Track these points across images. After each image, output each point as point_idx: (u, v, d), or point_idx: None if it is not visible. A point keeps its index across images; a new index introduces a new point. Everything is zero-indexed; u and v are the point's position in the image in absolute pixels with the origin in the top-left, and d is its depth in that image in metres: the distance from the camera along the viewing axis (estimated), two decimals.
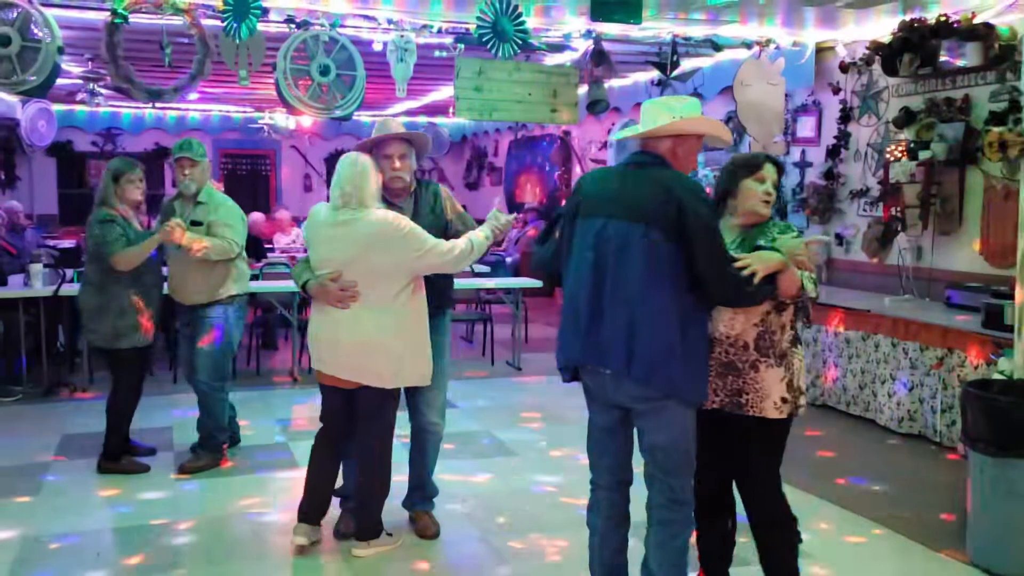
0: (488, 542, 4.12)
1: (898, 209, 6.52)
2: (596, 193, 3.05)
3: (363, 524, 3.90)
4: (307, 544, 3.89)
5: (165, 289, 5.10)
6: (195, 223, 4.88)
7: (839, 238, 7.35)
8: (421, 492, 4.19)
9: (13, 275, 7.25)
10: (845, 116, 7.25)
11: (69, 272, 6.69)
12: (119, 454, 5.00)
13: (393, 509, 4.15)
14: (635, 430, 3.09)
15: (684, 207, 2.83)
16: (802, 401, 3.15)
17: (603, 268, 2.93)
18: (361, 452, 3.89)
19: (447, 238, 3.86)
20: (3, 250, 7.65)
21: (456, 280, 7.89)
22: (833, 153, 7.34)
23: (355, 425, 3.87)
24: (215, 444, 5.13)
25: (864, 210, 7.13)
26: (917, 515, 4.46)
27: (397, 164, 3.82)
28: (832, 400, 6.39)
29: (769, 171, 3.14)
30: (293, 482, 4.00)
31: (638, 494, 3.15)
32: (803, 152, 7.76)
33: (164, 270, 5.12)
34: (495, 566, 3.87)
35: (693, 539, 3.19)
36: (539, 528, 4.27)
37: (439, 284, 3.96)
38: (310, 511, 3.93)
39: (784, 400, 3.08)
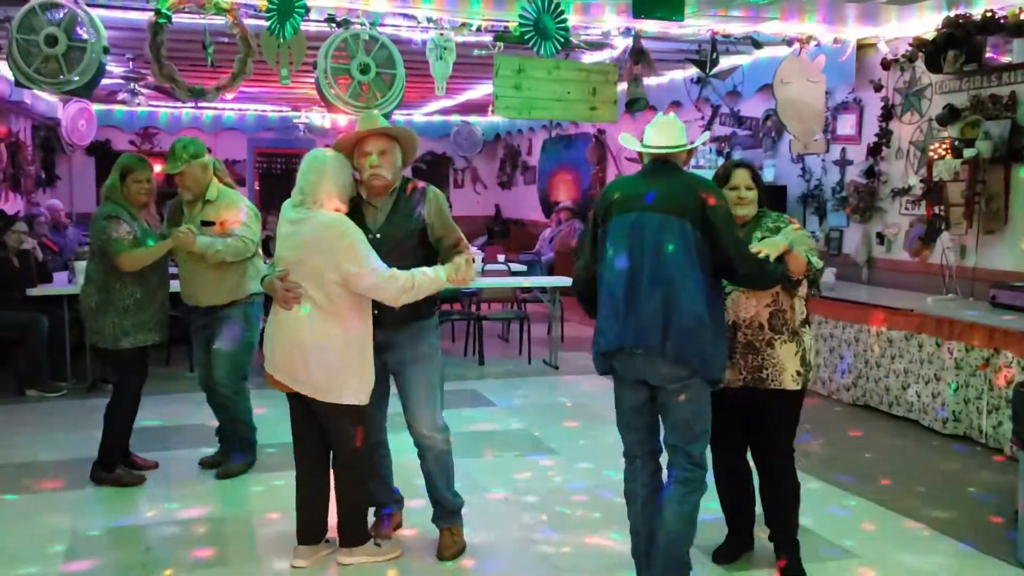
0: (528, 539, 4.11)
1: (941, 208, 6.44)
2: (626, 194, 3.38)
3: (344, 531, 3.77)
4: (305, 566, 3.75)
5: (173, 287, 4.89)
6: (206, 223, 4.65)
7: (880, 237, 7.27)
8: (439, 508, 3.95)
9: (56, 272, 7.37)
10: (887, 114, 7.16)
11: None
12: (115, 463, 4.75)
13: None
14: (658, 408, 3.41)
15: (707, 200, 3.25)
16: (810, 376, 3.63)
17: (639, 254, 3.25)
18: (333, 465, 3.74)
19: (426, 242, 3.71)
20: (46, 248, 7.77)
21: (493, 279, 8.04)
22: (874, 151, 7.25)
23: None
24: (246, 445, 4.99)
25: (906, 209, 7.05)
26: (964, 517, 4.41)
27: (375, 161, 3.59)
28: (875, 401, 6.32)
29: (738, 176, 3.61)
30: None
31: None
32: (843, 150, 7.68)
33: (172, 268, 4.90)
34: (535, 563, 3.87)
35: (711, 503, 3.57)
36: (579, 525, 4.26)
37: None
38: (304, 532, 3.81)
39: (799, 373, 3.55)
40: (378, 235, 3.62)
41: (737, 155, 8.68)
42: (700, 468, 3.37)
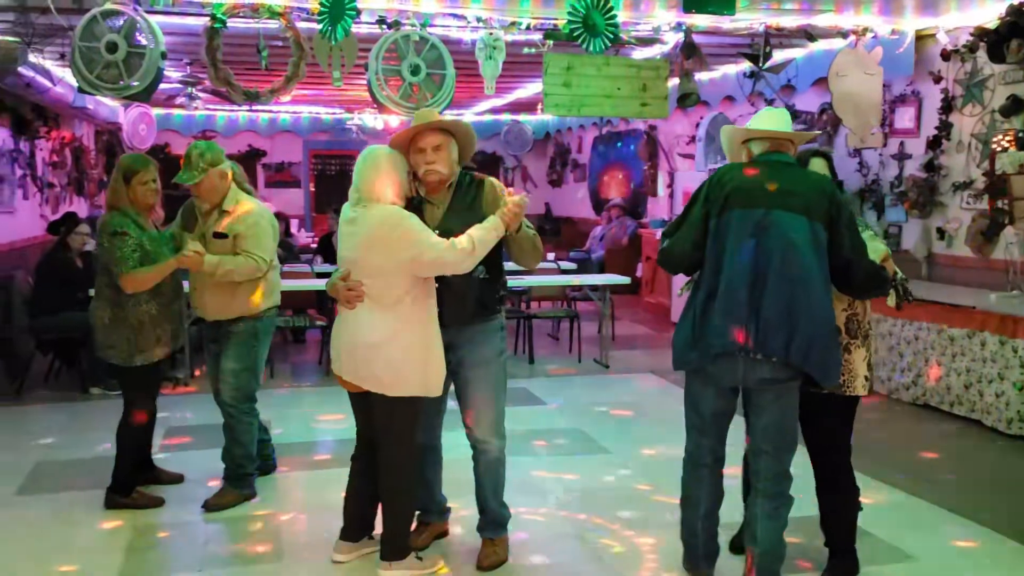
0: (581, 539, 4.10)
1: (1005, 202, 6.26)
2: (748, 185, 3.21)
3: (385, 543, 3.65)
4: (344, 561, 3.76)
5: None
6: (218, 235, 4.34)
7: (940, 232, 7.10)
8: (484, 517, 3.85)
9: None
10: (947, 106, 6.99)
11: None
12: (130, 486, 4.50)
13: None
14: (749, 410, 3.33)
15: (835, 200, 3.17)
16: (872, 377, 3.55)
17: (767, 255, 3.10)
18: (380, 466, 3.63)
19: None
20: None
21: (543, 277, 8.03)
22: (934, 144, 7.09)
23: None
24: (242, 476, 4.58)
25: (967, 203, 6.87)
26: None
27: (430, 157, 3.51)
28: (935, 400, 6.17)
29: (814, 165, 3.50)
30: None
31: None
32: (901, 144, 7.52)
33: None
34: (588, 563, 3.85)
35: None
36: (632, 526, 4.24)
37: (478, 289, 3.61)
38: (347, 528, 3.81)
39: (866, 378, 3.46)
40: (437, 232, 3.55)
41: None
42: (788, 480, 3.26)
